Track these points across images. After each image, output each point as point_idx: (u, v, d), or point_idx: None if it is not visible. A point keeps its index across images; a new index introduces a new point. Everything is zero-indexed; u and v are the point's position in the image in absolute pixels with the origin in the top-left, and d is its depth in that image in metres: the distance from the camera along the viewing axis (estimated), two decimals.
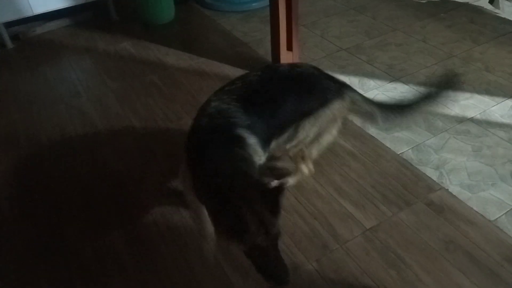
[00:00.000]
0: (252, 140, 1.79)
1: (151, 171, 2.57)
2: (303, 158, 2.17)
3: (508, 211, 2.22)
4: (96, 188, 2.50)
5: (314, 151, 2.14)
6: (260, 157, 1.86)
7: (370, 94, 3.10)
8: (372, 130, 2.76)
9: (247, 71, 2.13)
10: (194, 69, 3.46)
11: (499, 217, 2.19)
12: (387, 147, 2.63)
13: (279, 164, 2.47)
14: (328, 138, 2.11)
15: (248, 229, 1.39)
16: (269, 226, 1.44)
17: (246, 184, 1.53)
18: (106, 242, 2.18)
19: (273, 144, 1.99)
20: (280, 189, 1.48)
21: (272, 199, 1.46)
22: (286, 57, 3.27)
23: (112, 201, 2.41)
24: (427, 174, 2.43)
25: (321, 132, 2.04)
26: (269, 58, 3.41)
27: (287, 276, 1.47)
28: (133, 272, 2.04)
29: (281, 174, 2.41)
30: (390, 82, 3.23)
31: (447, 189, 2.34)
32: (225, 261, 2.04)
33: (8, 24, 3.94)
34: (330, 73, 3.29)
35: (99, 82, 3.43)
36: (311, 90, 1.99)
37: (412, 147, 2.61)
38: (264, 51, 3.65)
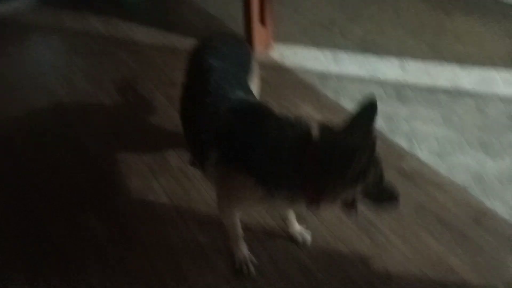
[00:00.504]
0: None
1: (123, 149, 2.54)
2: None
3: (475, 174, 2.28)
4: (68, 167, 2.46)
5: None
6: None
7: (343, 68, 3.11)
8: (343, 101, 2.78)
9: None
10: (166, 46, 3.40)
11: (467, 180, 2.26)
12: None
13: None
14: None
15: (368, 169, 1.36)
16: (378, 159, 1.43)
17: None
18: (81, 221, 2.16)
19: None
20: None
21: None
22: (259, 32, 3.23)
23: (85, 180, 2.38)
24: (398, 143, 2.48)
25: None
26: (241, 33, 3.36)
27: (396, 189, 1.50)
28: (110, 250, 2.03)
29: None
30: (363, 54, 3.24)
31: (417, 157, 2.39)
32: (202, 237, 2.05)
33: None
34: (303, 47, 3.31)
35: (67, 61, 3.34)
36: None
37: (384, 117, 2.65)
38: (237, 26, 3.59)
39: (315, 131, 1.44)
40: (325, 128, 1.45)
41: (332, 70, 3.09)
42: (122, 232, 2.10)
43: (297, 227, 2.00)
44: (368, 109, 1.41)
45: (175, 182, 2.32)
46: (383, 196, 1.47)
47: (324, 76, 3.04)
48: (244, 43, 2.05)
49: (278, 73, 3.12)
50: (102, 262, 1.98)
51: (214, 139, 1.57)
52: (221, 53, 1.86)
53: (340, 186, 1.37)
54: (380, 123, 2.61)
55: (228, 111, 1.59)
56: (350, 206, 1.51)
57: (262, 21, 3.18)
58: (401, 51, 3.26)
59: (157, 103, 2.86)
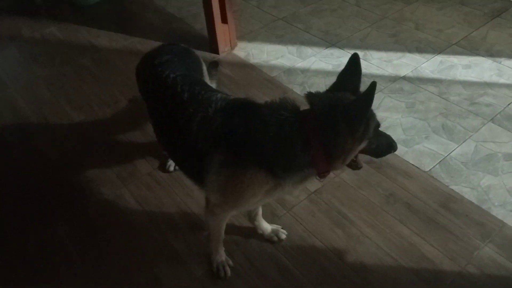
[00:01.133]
0: None
1: (90, 158, 2.48)
2: None
3: (441, 160, 2.34)
4: (34, 180, 2.38)
5: None
6: None
7: (308, 62, 3.13)
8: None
9: None
10: (129, 50, 3.33)
11: (433, 167, 2.31)
12: None
13: None
14: None
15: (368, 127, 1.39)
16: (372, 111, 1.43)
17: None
18: (50, 233, 2.10)
19: None
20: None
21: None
22: (222, 30, 3.21)
23: (51, 192, 2.30)
24: None
25: None
26: (205, 32, 3.33)
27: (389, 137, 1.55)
28: (80, 260, 1.98)
29: None
30: (327, 48, 3.27)
31: None
32: (176, 242, 2.03)
33: None
34: (267, 44, 3.32)
35: (26, 71, 3.23)
36: None
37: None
38: (201, 25, 3.56)
39: (305, 103, 1.44)
40: (312, 96, 1.43)
41: (298, 65, 3.10)
42: (93, 242, 2.05)
43: (268, 228, 2.00)
44: (353, 64, 1.44)
45: (145, 188, 2.29)
46: (383, 143, 1.51)
47: (289, 71, 3.04)
48: (191, 50, 2.04)
49: (243, 70, 3.11)
50: (74, 273, 1.93)
51: (213, 143, 1.52)
52: (176, 64, 1.84)
53: (350, 144, 1.37)
54: None
55: (217, 112, 1.55)
56: (354, 161, 1.57)
57: (224, 19, 3.16)
58: (364, 43, 3.30)
59: (123, 108, 2.80)
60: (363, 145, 1.42)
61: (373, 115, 1.42)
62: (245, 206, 1.65)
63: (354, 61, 1.43)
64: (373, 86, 1.29)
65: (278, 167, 1.42)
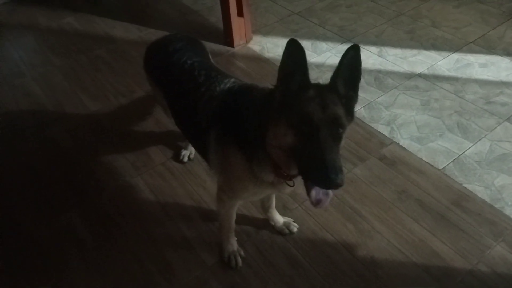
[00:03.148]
0: None
1: (105, 147, 2.51)
2: None
3: (455, 159, 2.33)
4: (48, 168, 2.42)
5: None
6: None
7: (322, 57, 3.12)
8: None
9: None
10: (144, 41, 3.35)
11: (447, 165, 2.30)
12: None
13: None
14: None
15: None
16: (329, 101, 1.23)
17: None
18: (62, 221, 2.13)
19: None
20: None
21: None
22: (237, 24, 3.21)
23: (65, 180, 2.34)
24: (379, 130, 2.51)
25: None
26: (220, 25, 3.34)
27: (338, 176, 1.14)
28: (93, 248, 2.01)
29: None
30: (342, 43, 3.26)
31: (398, 143, 2.42)
32: (188, 231, 2.05)
33: None
34: (282, 38, 3.33)
35: (43, 60, 3.27)
36: None
37: (364, 106, 2.67)
38: (216, 18, 3.58)
39: None
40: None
41: (312, 60, 3.10)
42: (106, 231, 2.08)
43: (280, 220, 2.02)
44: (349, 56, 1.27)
45: (159, 178, 2.31)
46: (311, 159, 1.20)
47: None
48: (198, 40, 2.12)
49: (258, 64, 3.11)
50: (86, 261, 1.96)
51: (211, 121, 1.59)
52: (190, 51, 1.91)
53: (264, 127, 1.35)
54: (360, 111, 2.64)
55: (222, 91, 1.63)
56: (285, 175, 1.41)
57: (240, 13, 3.16)
58: (379, 39, 3.28)
59: (138, 99, 2.83)
60: (281, 132, 1.24)
61: (301, 104, 1.23)
62: (241, 191, 1.61)
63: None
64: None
65: (243, 143, 1.44)
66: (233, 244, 1.92)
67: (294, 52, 1.22)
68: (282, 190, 1.54)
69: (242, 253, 1.93)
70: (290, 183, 1.43)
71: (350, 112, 1.30)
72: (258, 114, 1.38)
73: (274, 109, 1.27)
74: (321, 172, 1.15)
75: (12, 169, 2.44)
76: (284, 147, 1.25)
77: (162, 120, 2.57)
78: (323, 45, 3.25)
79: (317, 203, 1.28)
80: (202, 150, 1.76)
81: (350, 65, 1.27)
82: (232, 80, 1.70)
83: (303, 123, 1.20)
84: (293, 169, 1.32)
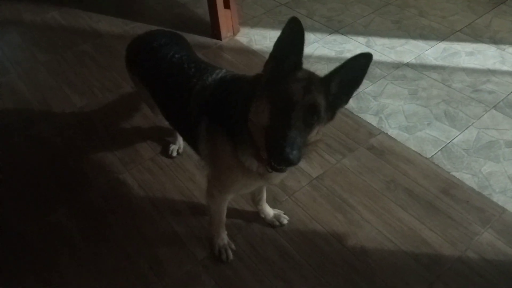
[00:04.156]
0: None
1: (92, 143, 2.48)
2: None
3: (443, 147, 2.34)
4: (35, 165, 2.39)
5: None
6: None
7: (310, 48, 3.11)
8: None
9: (186, 33, 2.08)
10: (130, 35, 3.29)
11: (435, 153, 2.31)
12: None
13: None
14: None
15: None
16: (313, 88, 1.22)
17: None
18: (52, 219, 2.11)
19: None
20: None
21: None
22: (224, 16, 3.19)
23: (53, 178, 2.32)
24: (367, 120, 2.51)
25: None
26: (207, 18, 3.31)
27: (292, 151, 1.14)
28: (83, 246, 2.00)
29: None
30: (330, 34, 3.25)
31: (387, 133, 2.43)
32: (178, 226, 2.04)
33: None
34: (270, 30, 3.31)
35: (28, 56, 3.22)
36: None
37: (352, 96, 2.66)
38: (203, 11, 3.54)
39: None
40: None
41: None
42: (95, 227, 2.07)
43: (271, 212, 2.02)
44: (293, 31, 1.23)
45: (147, 173, 2.30)
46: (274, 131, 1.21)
47: None
48: (180, 35, 2.10)
49: (246, 56, 3.09)
50: (77, 259, 1.95)
51: (202, 110, 1.58)
52: (176, 46, 1.89)
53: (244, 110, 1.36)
54: (349, 102, 2.63)
55: (212, 81, 1.62)
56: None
57: (227, 5, 3.13)
58: (367, 30, 3.28)
59: (125, 93, 2.80)
60: (261, 107, 1.25)
61: (283, 82, 1.23)
62: (231, 183, 1.60)
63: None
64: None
65: (229, 129, 1.44)
66: (224, 238, 1.92)
67: (294, 32, 1.20)
68: (269, 180, 1.53)
69: (233, 246, 1.93)
70: (268, 168, 1.36)
71: (332, 109, 1.29)
72: (245, 97, 1.36)
73: (261, 86, 1.27)
74: (278, 144, 1.15)
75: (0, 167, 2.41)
76: (261, 125, 1.24)
77: (150, 115, 2.54)
78: (311, 36, 3.23)
79: (273, 168, 1.25)
80: (193, 142, 1.74)
81: (355, 71, 1.26)
82: (224, 70, 1.70)
83: (280, 100, 1.20)
84: None
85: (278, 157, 1.17)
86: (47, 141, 2.52)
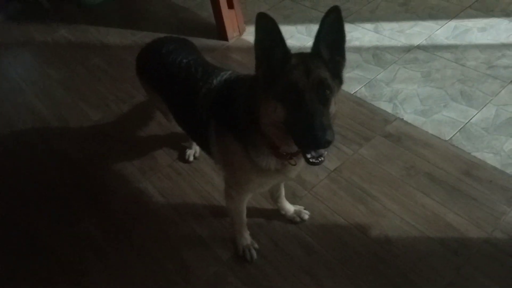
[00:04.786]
0: None
1: (111, 155, 2.53)
2: None
3: (461, 128, 2.30)
4: (59, 179, 2.45)
5: None
6: None
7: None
8: None
9: (193, 37, 2.10)
10: (139, 45, 3.33)
11: (454, 135, 2.27)
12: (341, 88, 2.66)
13: None
14: None
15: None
16: (311, 66, 1.21)
17: None
18: (80, 230, 2.17)
19: None
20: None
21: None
22: (229, 16, 3.19)
23: (78, 190, 2.37)
24: (382, 108, 2.48)
25: None
26: (212, 20, 3.32)
27: (325, 132, 1.13)
28: (112, 254, 2.04)
29: None
30: None
31: (402, 118, 2.40)
32: (201, 229, 2.07)
33: None
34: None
35: (41, 75, 3.29)
36: None
37: (365, 84, 2.64)
38: (207, 13, 3.55)
39: None
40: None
41: (308, 44, 3.04)
42: (121, 235, 2.11)
43: (291, 208, 2.02)
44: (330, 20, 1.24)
45: (167, 179, 2.33)
46: (300, 123, 1.19)
47: (300, 51, 3.01)
48: (188, 40, 2.12)
49: (254, 55, 3.08)
50: (106, 266, 2.00)
51: (210, 112, 1.59)
52: (183, 51, 1.91)
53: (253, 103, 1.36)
54: (361, 90, 2.61)
55: (219, 83, 1.63)
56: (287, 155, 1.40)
57: (230, 5, 3.13)
58: (374, 15, 3.23)
59: (139, 103, 2.84)
60: (271, 107, 1.23)
61: (287, 72, 1.21)
62: (246, 183, 1.60)
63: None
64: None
65: (237, 131, 1.44)
66: (247, 237, 1.93)
67: (267, 26, 1.19)
68: (287, 174, 1.52)
69: (256, 245, 1.94)
70: (292, 162, 1.40)
71: (338, 76, 1.28)
72: (247, 98, 1.37)
73: (260, 88, 1.27)
74: (309, 133, 1.14)
75: (26, 185, 2.47)
76: (277, 123, 1.24)
77: (164, 122, 2.58)
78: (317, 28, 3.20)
79: (313, 163, 1.24)
80: (205, 146, 1.75)
81: (332, 29, 1.24)
82: (229, 72, 1.71)
83: (288, 92, 1.20)
84: (292, 145, 1.30)
85: (314, 144, 1.16)
86: (68, 156, 2.58)
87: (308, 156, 1.22)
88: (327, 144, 1.14)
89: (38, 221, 2.26)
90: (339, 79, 1.29)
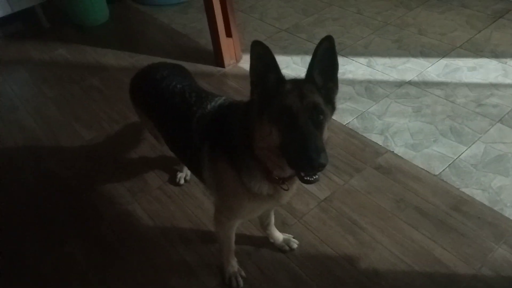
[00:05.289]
0: None
1: (101, 176, 2.51)
2: None
3: (450, 163, 2.33)
4: (47, 200, 2.41)
5: None
6: None
7: None
8: None
9: (190, 63, 2.12)
10: (135, 67, 3.37)
11: (443, 170, 2.30)
12: (333, 119, 2.67)
13: None
14: None
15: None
16: (305, 91, 1.24)
17: None
18: (64, 252, 2.12)
19: None
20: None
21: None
22: (226, 44, 3.25)
23: (65, 211, 2.33)
24: (373, 140, 2.51)
25: None
26: (210, 47, 3.38)
27: (319, 155, 1.15)
28: (95, 279, 1.99)
29: None
30: None
31: (393, 151, 2.43)
32: (188, 255, 2.04)
33: None
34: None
35: (36, 93, 3.30)
36: None
37: (357, 116, 2.68)
38: (205, 41, 3.62)
39: None
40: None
41: (303, 74, 3.09)
42: (106, 259, 2.07)
43: (280, 237, 2.01)
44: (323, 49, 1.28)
45: (156, 202, 2.31)
46: (294, 143, 1.21)
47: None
48: (182, 66, 2.16)
49: (249, 82, 3.13)
50: None
51: (203, 138, 1.60)
52: (177, 76, 1.94)
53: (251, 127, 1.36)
54: (353, 122, 2.65)
55: (212, 108, 1.65)
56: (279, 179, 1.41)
57: (229, 33, 3.20)
58: (368, 50, 3.32)
59: (132, 124, 2.84)
60: (266, 131, 1.25)
61: (280, 95, 1.25)
62: (238, 208, 1.60)
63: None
64: None
65: (232, 156, 1.45)
66: (234, 265, 1.90)
67: (261, 53, 1.23)
68: (279, 200, 1.52)
69: (243, 273, 1.91)
70: (284, 186, 1.41)
71: (330, 102, 1.31)
72: (241, 122, 1.39)
73: (255, 112, 1.29)
74: (303, 155, 1.16)
75: (12, 203, 2.43)
76: (272, 147, 1.26)
77: (156, 144, 2.58)
78: None
79: (309, 182, 1.25)
80: (197, 171, 1.75)
81: (325, 56, 1.27)
82: (223, 97, 1.73)
83: (283, 115, 1.22)
84: (286, 170, 1.32)
85: (308, 166, 1.17)
86: (58, 175, 2.55)
87: (302, 174, 1.23)
88: (321, 167, 1.16)
89: (22, 241, 2.21)
90: (331, 105, 1.32)
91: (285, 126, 1.22)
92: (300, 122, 1.20)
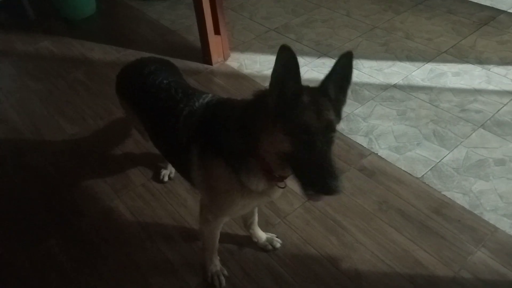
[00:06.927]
0: None
1: (84, 171, 2.47)
2: None
3: (433, 167, 2.36)
4: (27, 195, 2.37)
5: None
6: None
7: (300, 71, 3.15)
8: None
9: (177, 60, 2.09)
10: (122, 62, 3.30)
11: (426, 173, 2.33)
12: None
13: None
14: None
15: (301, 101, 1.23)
16: (323, 107, 1.24)
17: None
18: (43, 249, 2.08)
19: None
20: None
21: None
22: (215, 42, 3.24)
23: (45, 207, 2.30)
24: (358, 142, 2.53)
25: None
26: (198, 44, 3.37)
27: (337, 183, 1.16)
28: (75, 277, 1.97)
29: None
30: (319, 57, 3.30)
31: (377, 153, 2.45)
32: (170, 253, 2.02)
33: None
34: (260, 54, 3.35)
35: (20, 86, 3.24)
36: None
37: (343, 118, 2.69)
38: (194, 37, 3.60)
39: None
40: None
41: None
42: (87, 257, 2.04)
43: (263, 236, 2.01)
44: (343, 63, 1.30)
45: (139, 199, 2.29)
46: (310, 164, 1.21)
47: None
48: (171, 62, 2.13)
49: (236, 80, 3.13)
50: (67, 287, 1.92)
51: (192, 136, 1.58)
52: (165, 72, 1.92)
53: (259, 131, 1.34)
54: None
55: (200, 106, 1.64)
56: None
57: (217, 31, 3.19)
58: (355, 52, 3.31)
59: (116, 120, 2.81)
60: (277, 139, 1.25)
61: (299, 109, 1.23)
62: (229, 206, 1.58)
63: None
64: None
65: (228, 155, 1.44)
66: (216, 264, 1.90)
67: (286, 59, 1.22)
68: (271, 195, 1.54)
69: (226, 272, 1.91)
70: (282, 184, 1.43)
71: (339, 114, 1.33)
72: (243, 123, 1.38)
73: (267, 116, 1.27)
74: (320, 179, 1.17)
75: None
76: (281, 153, 1.26)
77: (141, 141, 2.55)
78: (301, 60, 3.24)
79: (314, 200, 1.29)
80: (183, 169, 1.73)
81: (343, 71, 1.30)
82: (210, 95, 1.71)
83: (300, 131, 1.22)
84: (287, 171, 1.34)
85: (324, 191, 1.19)
86: (39, 170, 2.51)
87: (309, 193, 1.24)
88: (337, 194, 1.17)
89: (0, 237, 2.16)
90: (339, 118, 1.33)
91: (300, 142, 1.22)
92: (317, 143, 1.20)
